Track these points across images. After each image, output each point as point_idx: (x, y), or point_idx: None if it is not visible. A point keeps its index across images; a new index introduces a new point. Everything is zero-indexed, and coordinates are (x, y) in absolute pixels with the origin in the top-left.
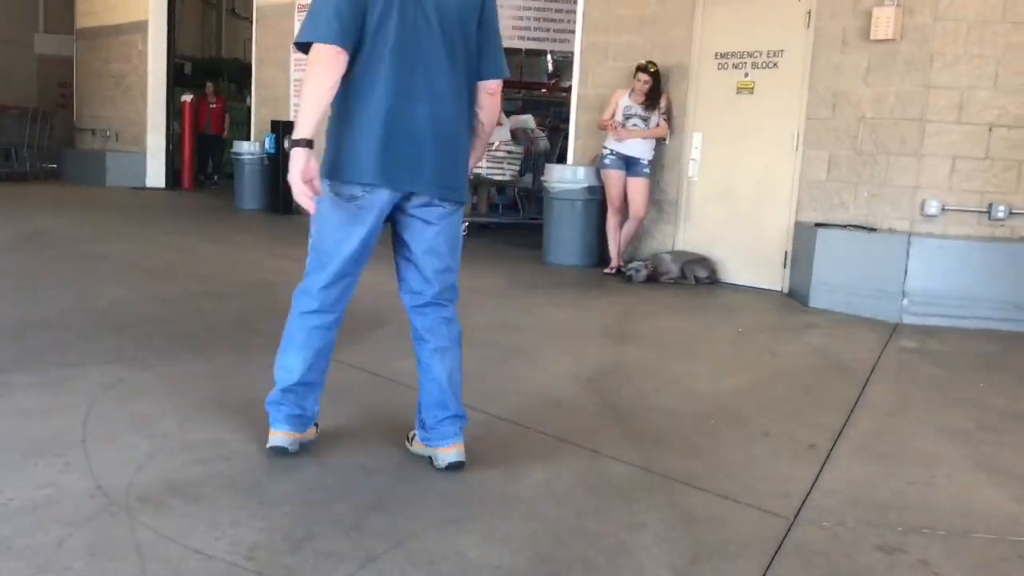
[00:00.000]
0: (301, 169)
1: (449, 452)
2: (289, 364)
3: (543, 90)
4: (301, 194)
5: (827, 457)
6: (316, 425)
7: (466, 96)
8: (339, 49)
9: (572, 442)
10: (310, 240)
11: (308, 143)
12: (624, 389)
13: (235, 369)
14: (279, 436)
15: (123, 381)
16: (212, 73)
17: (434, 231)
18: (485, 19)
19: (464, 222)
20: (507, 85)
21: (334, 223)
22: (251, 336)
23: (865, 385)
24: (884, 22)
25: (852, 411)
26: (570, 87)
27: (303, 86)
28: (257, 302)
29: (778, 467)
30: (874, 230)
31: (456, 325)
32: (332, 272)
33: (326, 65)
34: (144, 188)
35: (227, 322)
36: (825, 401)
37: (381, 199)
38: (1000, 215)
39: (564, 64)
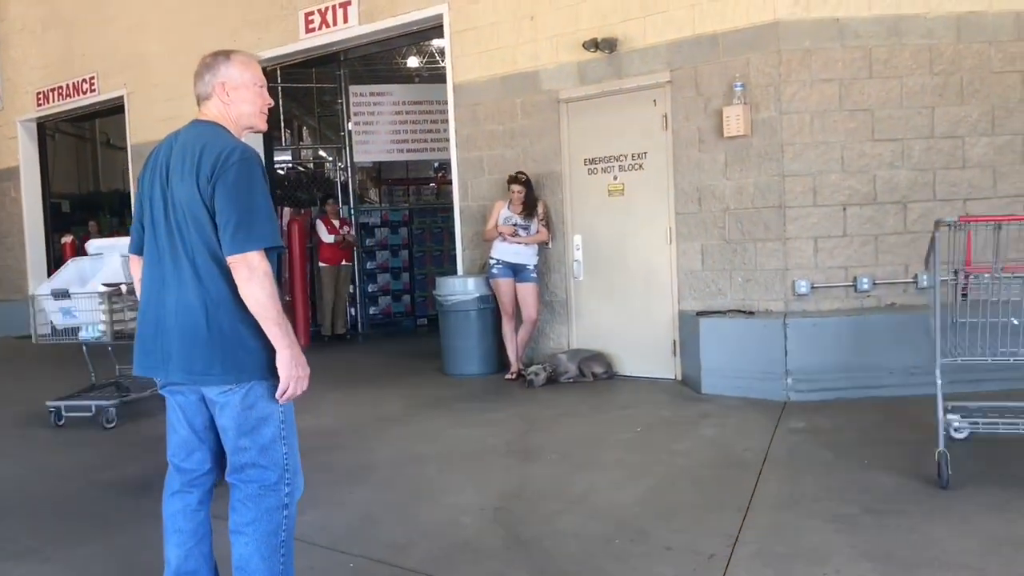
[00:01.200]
0: None
1: None
2: (166, 554)
3: (431, 184)
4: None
5: (727, 566)
6: None
7: (209, 279)
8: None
9: None
10: None
11: None
12: (531, 516)
13: (139, 546)
14: None
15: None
16: (92, 207)
17: (217, 410)
18: (220, 201)
19: None
20: (395, 183)
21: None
22: (146, 503)
23: (758, 477)
24: (734, 120)
25: (747, 509)
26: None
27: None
28: (150, 464)
29: None
30: (752, 314)
31: (248, 511)
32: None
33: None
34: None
35: (121, 491)
36: (722, 502)
37: (169, 390)
38: (865, 287)
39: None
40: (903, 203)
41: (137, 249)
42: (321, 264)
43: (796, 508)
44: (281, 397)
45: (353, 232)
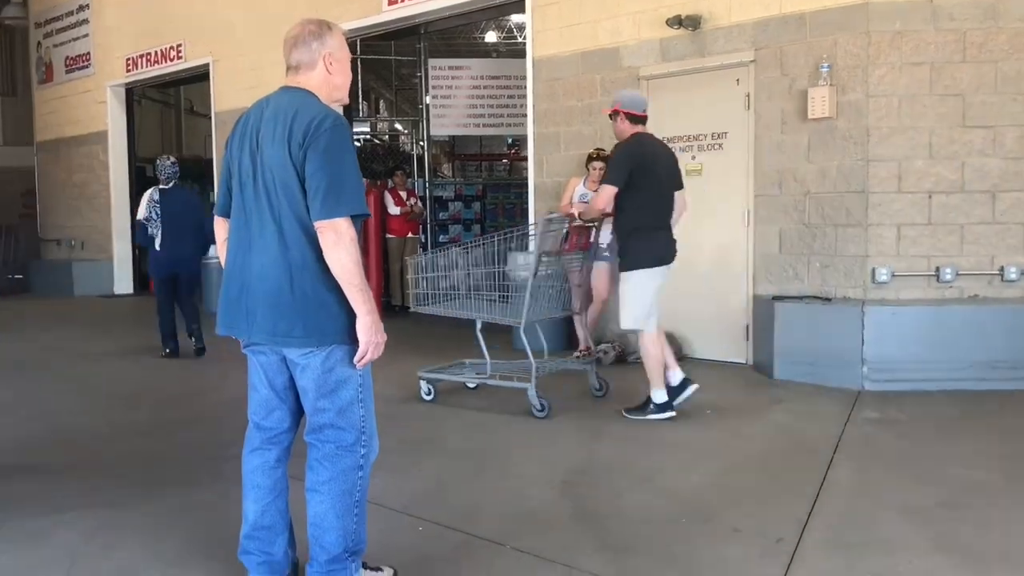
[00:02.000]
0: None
1: None
2: (244, 509)
3: (504, 160)
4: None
5: (795, 551)
6: (296, 571)
7: (294, 242)
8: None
9: (548, 558)
10: None
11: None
12: (596, 491)
13: (214, 503)
14: None
15: (103, 527)
16: None
17: (298, 371)
18: (311, 166)
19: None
20: (468, 159)
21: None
22: (225, 465)
23: (829, 466)
24: (819, 101)
25: (817, 496)
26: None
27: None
28: (230, 425)
29: (748, 568)
30: (829, 300)
31: (324, 470)
32: (253, 419)
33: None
34: (112, 296)
35: (202, 450)
36: (791, 487)
37: (252, 349)
38: (948, 277)
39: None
40: (992, 192)
41: (224, 211)
42: (388, 236)
43: (868, 497)
44: (359, 361)
45: (420, 204)
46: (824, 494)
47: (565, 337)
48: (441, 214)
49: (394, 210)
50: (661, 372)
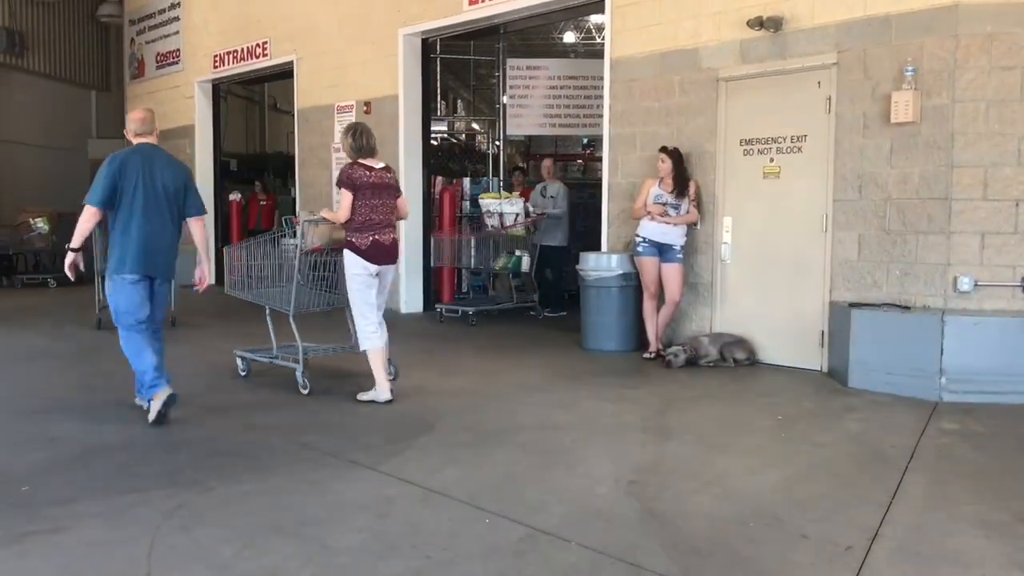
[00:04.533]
0: (71, 260)
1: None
2: (145, 360)
3: (579, 160)
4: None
5: (864, 560)
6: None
7: (176, 226)
8: (96, 210)
9: (613, 556)
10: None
11: (76, 249)
12: (664, 492)
13: (289, 487)
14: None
15: (183, 506)
16: (257, 167)
17: (160, 293)
18: (188, 190)
19: None
20: (544, 158)
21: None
22: (302, 451)
23: (903, 475)
24: (903, 106)
25: (889, 506)
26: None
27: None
28: (305, 412)
29: (816, 575)
30: (908, 308)
31: (159, 343)
32: (135, 319)
33: (87, 217)
34: (192, 285)
35: (277, 436)
36: (863, 495)
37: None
38: None
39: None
40: None
41: (102, 205)
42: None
43: (942, 509)
44: (201, 286)
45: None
46: (896, 504)
47: (636, 338)
48: None
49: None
50: None
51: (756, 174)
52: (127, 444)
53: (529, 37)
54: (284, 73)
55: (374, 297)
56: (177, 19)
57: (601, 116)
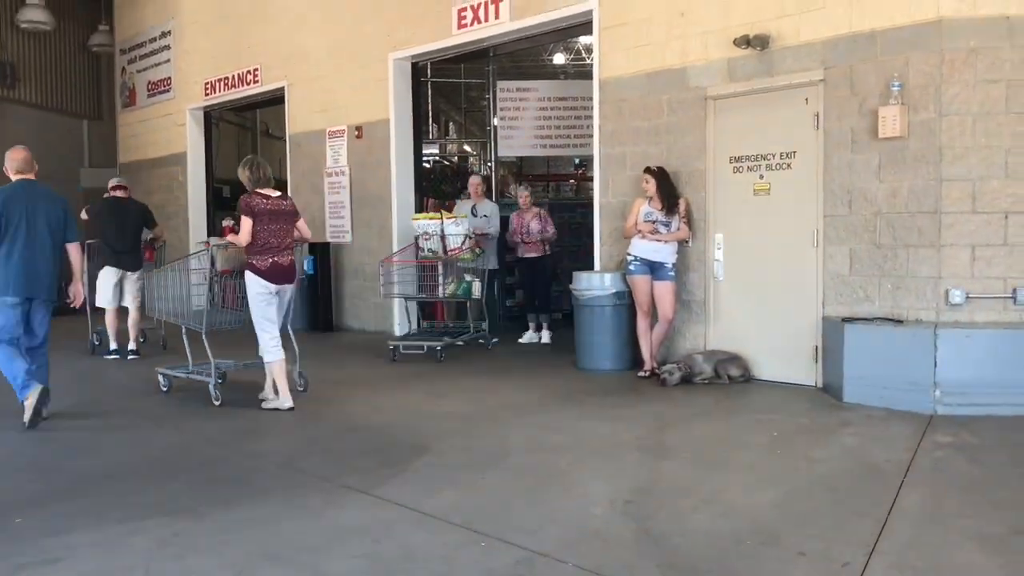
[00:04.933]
0: None
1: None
2: (16, 367)
3: (571, 180)
4: None
5: (861, 575)
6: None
7: (56, 253)
8: None
9: None
10: None
11: None
12: (661, 511)
13: (283, 513)
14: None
15: (178, 535)
16: None
17: (41, 309)
18: (67, 220)
19: None
20: (535, 179)
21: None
22: (295, 476)
23: (899, 490)
24: (891, 121)
25: (886, 521)
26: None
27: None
28: (301, 436)
29: None
30: (901, 322)
31: (43, 356)
32: (10, 335)
33: None
34: (69, 301)
35: (273, 462)
36: (859, 510)
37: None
38: None
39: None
40: None
41: None
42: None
43: (939, 524)
44: (76, 303)
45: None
46: (893, 519)
47: (631, 357)
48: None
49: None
50: None
51: (746, 191)
52: (120, 471)
53: (519, 59)
54: (275, 99)
55: (274, 314)
56: (168, 47)
57: (591, 136)
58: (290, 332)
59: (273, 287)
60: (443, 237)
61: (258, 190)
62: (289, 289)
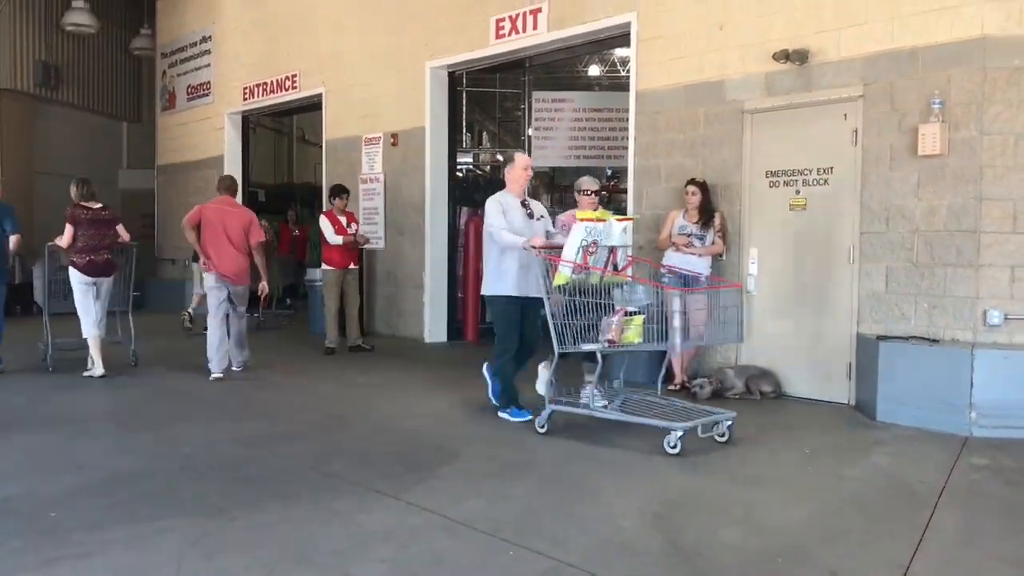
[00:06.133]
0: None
1: None
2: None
3: (603, 192)
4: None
5: None
6: None
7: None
8: None
9: None
10: None
11: None
12: (690, 525)
13: (312, 516)
14: None
15: (208, 534)
16: (285, 198)
17: None
18: (9, 217)
19: None
20: (567, 190)
21: None
22: (324, 480)
23: (933, 511)
24: (930, 138)
25: (920, 542)
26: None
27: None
28: (330, 440)
29: None
30: (936, 342)
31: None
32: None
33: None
34: None
35: (303, 464)
36: (892, 531)
37: None
38: None
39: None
40: None
41: None
42: (325, 267)
43: (974, 546)
44: None
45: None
46: (927, 540)
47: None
48: None
49: (335, 239)
50: None
51: (782, 206)
52: (151, 471)
53: (554, 70)
54: (313, 105)
55: (91, 301)
56: (208, 52)
57: (626, 148)
58: (129, 315)
59: (89, 279)
60: (613, 249)
61: (82, 203)
62: (106, 282)
